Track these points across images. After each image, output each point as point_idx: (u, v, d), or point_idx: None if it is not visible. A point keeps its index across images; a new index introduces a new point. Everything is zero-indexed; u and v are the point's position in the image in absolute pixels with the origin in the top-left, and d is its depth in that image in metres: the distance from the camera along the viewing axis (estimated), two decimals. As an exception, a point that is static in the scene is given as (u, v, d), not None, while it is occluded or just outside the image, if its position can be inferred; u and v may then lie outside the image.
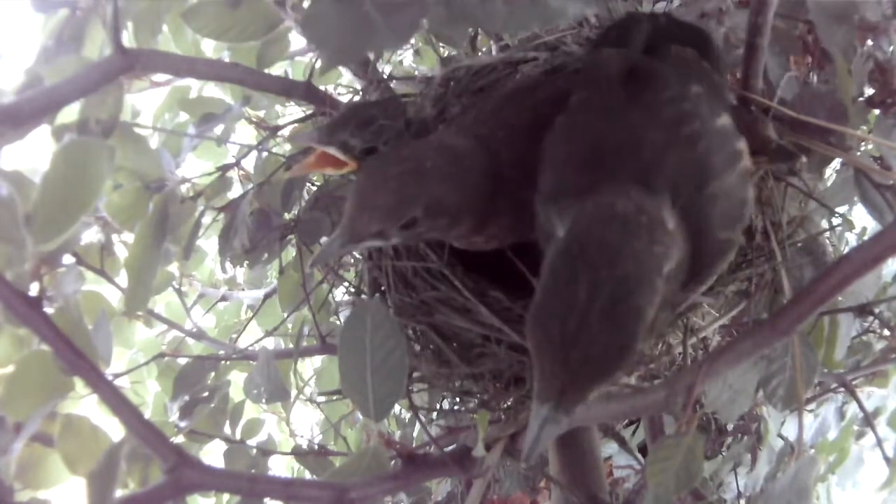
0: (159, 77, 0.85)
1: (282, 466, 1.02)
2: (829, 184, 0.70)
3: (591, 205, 0.41)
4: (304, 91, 0.74)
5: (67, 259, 0.66)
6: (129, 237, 0.76)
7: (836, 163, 0.66)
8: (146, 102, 0.95)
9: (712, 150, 0.44)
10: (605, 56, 0.51)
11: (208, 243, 1.07)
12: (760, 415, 0.92)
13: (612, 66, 0.49)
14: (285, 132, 0.86)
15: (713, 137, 0.44)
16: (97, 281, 0.80)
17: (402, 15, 0.33)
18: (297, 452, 0.86)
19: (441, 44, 0.79)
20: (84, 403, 0.67)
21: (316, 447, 0.89)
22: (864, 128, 0.60)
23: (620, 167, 0.43)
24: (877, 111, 0.60)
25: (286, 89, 0.75)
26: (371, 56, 0.74)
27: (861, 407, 0.67)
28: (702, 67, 0.50)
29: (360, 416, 0.98)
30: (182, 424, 0.80)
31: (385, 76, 0.77)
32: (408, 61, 1.00)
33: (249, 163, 0.88)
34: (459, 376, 0.66)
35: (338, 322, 0.89)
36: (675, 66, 0.48)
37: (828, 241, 0.65)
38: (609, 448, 0.91)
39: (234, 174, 0.86)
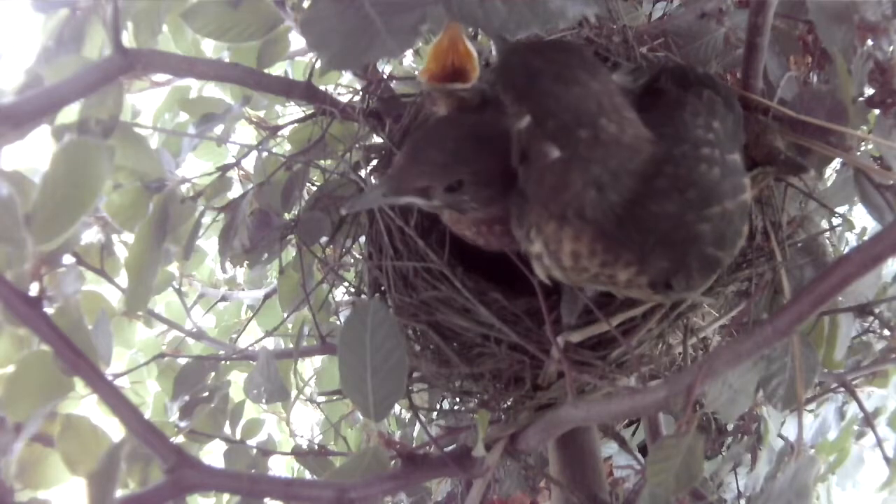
0: (159, 77, 0.85)
1: (282, 466, 1.02)
2: (829, 184, 0.70)
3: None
4: (304, 91, 0.74)
5: (67, 259, 0.66)
6: (129, 237, 0.76)
7: (836, 163, 0.66)
8: (146, 102, 0.95)
9: (724, 176, 0.48)
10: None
11: (208, 243, 1.07)
12: (760, 415, 0.92)
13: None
14: (285, 132, 0.86)
15: (725, 166, 0.49)
16: (97, 281, 0.80)
17: (402, 19, 0.33)
18: (297, 452, 0.86)
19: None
20: (84, 403, 0.67)
21: (316, 447, 0.89)
22: (864, 128, 0.60)
23: None
24: (877, 111, 0.60)
25: (286, 89, 0.75)
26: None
27: (861, 407, 0.68)
28: (724, 111, 0.53)
29: (360, 416, 0.98)
30: (182, 424, 0.80)
31: (385, 76, 0.77)
32: (408, 61, 1.00)
33: (249, 163, 0.88)
34: (459, 376, 0.66)
35: (338, 322, 0.89)
36: (706, 102, 0.52)
37: (828, 241, 0.65)
38: (609, 448, 0.91)
39: (234, 174, 0.86)
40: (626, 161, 0.45)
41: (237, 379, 0.94)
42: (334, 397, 0.93)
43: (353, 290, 0.78)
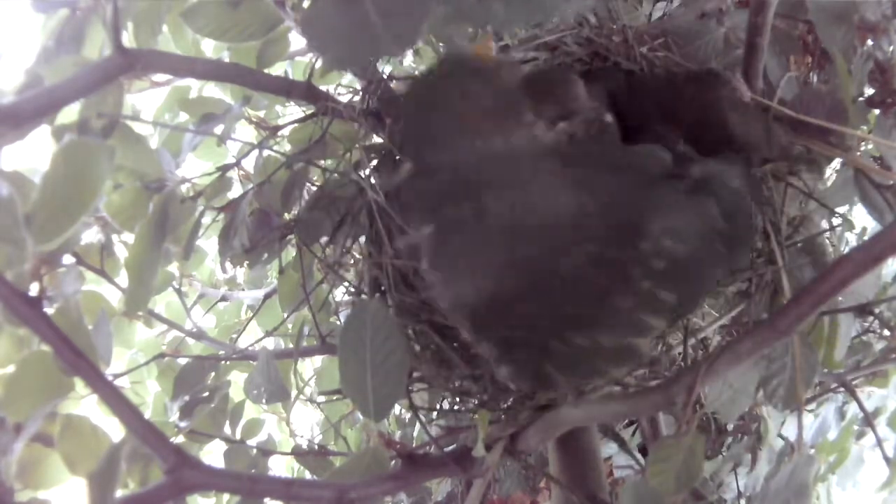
0: (159, 77, 0.85)
1: (282, 466, 1.02)
2: (829, 184, 0.70)
3: None
4: (304, 91, 0.74)
5: (67, 259, 0.66)
6: (129, 237, 0.76)
7: (836, 163, 0.66)
8: (146, 102, 0.95)
9: None
10: None
11: (208, 243, 1.07)
12: (760, 415, 0.92)
13: None
14: (285, 132, 0.86)
15: None
16: (97, 281, 0.80)
17: (403, 19, 0.33)
18: (297, 452, 0.86)
19: (441, 44, 0.79)
20: (84, 403, 0.67)
21: (316, 447, 0.89)
22: (864, 128, 0.60)
23: None
24: (877, 111, 0.60)
25: (286, 89, 0.75)
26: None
27: (861, 407, 0.68)
28: None
29: (360, 416, 0.98)
30: (182, 424, 0.80)
31: (385, 76, 0.77)
32: (408, 61, 1.00)
33: (249, 163, 0.88)
34: (459, 376, 0.66)
35: (338, 322, 0.89)
36: None
37: (828, 241, 0.65)
38: (609, 448, 0.91)
39: (234, 174, 0.86)
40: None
41: (237, 379, 0.94)
42: (334, 397, 0.93)
43: (353, 290, 0.78)
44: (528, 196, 0.36)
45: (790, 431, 0.98)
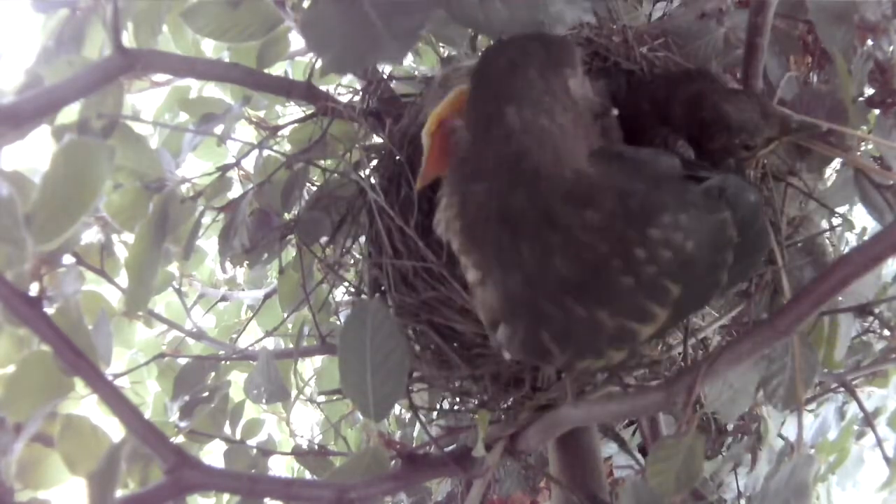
0: (159, 77, 0.85)
1: (282, 466, 1.02)
2: (829, 184, 0.70)
3: None
4: (304, 91, 0.74)
5: (67, 259, 0.66)
6: (129, 237, 0.76)
7: (837, 163, 0.66)
8: (146, 102, 0.95)
9: None
10: None
11: (208, 243, 1.07)
12: (760, 415, 0.92)
13: None
14: (285, 132, 0.86)
15: None
16: (97, 281, 0.80)
17: (403, 20, 0.33)
18: (297, 452, 0.86)
19: (441, 44, 0.79)
20: (84, 403, 0.67)
21: (316, 447, 0.89)
22: (864, 128, 0.60)
23: None
24: (877, 111, 0.60)
25: (286, 89, 0.75)
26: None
27: (861, 407, 0.68)
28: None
29: (360, 416, 0.98)
30: (182, 424, 0.80)
31: (385, 76, 0.77)
32: (408, 61, 1.00)
33: (249, 163, 0.88)
34: (459, 376, 0.66)
35: (338, 322, 0.89)
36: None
37: (828, 241, 0.65)
38: (609, 448, 0.91)
39: (234, 174, 0.86)
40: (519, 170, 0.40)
41: (237, 379, 0.94)
42: (334, 397, 0.93)
43: (353, 290, 0.78)
44: (543, 130, 0.39)
45: (790, 431, 0.98)
